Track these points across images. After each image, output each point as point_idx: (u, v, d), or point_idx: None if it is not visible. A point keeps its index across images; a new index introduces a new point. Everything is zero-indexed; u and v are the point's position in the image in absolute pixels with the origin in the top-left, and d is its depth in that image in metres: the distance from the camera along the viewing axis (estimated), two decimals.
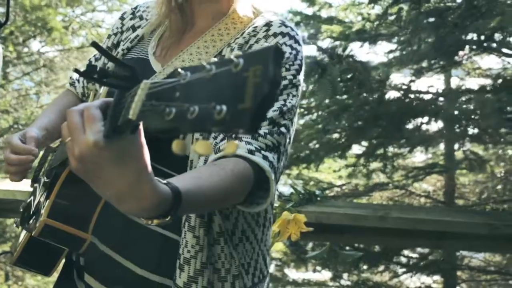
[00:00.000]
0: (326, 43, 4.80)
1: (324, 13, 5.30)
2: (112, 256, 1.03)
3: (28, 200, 1.15)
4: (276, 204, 1.68)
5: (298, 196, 2.57)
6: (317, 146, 5.12)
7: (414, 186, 6.46)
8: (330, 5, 5.28)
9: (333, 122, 4.61)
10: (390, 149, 5.38)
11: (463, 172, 6.31)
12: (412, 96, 4.81)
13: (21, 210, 1.14)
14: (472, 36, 4.02)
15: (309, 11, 5.33)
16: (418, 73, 4.74)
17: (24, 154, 1.05)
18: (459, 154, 5.92)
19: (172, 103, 0.48)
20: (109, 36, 1.26)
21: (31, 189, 1.22)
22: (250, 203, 0.93)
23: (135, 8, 1.27)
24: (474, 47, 4.29)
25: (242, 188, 0.86)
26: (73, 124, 0.61)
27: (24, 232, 1.10)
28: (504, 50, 4.53)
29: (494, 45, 4.29)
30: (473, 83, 5.75)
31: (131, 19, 1.24)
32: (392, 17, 4.28)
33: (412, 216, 2.96)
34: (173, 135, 0.50)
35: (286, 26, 1.06)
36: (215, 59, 0.48)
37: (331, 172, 6.88)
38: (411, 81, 4.80)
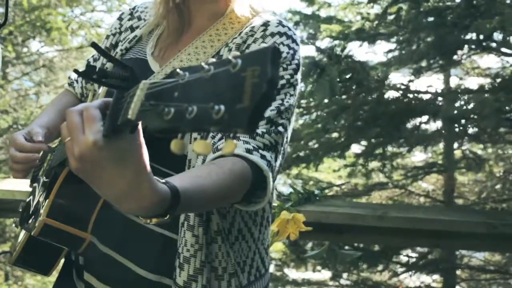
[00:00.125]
0: (325, 42, 4.81)
1: (323, 13, 5.30)
2: (111, 255, 1.03)
3: (27, 200, 1.15)
4: (275, 204, 1.69)
5: (297, 195, 2.58)
6: (316, 146, 5.13)
7: (413, 186, 6.47)
8: (329, 5, 5.28)
9: (332, 122, 4.61)
10: (389, 148, 5.38)
11: (462, 171, 6.32)
12: (411, 95, 4.82)
13: (20, 210, 1.15)
14: (471, 35, 4.02)
15: (308, 10, 5.33)
16: (417, 73, 4.75)
17: (30, 152, 1.06)
18: (458, 154, 5.93)
19: (171, 103, 0.49)
20: (107, 37, 1.26)
21: (30, 189, 1.22)
22: (248, 202, 0.93)
23: (133, 8, 1.27)
24: (473, 46, 4.30)
25: (240, 187, 0.87)
26: (73, 124, 0.62)
27: (23, 232, 1.11)
28: (503, 50, 4.53)
29: (493, 44, 4.29)
30: (472, 82, 5.76)
31: (129, 19, 1.24)
32: (391, 17, 4.28)
33: (411, 215, 2.95)
34: (172, 135, 0.50)
35: (284, 26, 1.07)
36: (214, 60, 0.48)
37: (330, 171, 6.89)
38: (410, 80, 4.80)
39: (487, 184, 6.31)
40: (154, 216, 0.69)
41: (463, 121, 4.43)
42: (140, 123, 0.60)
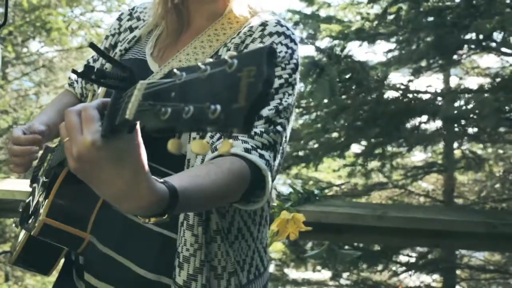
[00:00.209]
0: (325, 42, 4.81)
1: (323, 13, 5.30)
2: (111, 255, 1.04)
3: (27, 200, 1.15)
4: (274, 204, 1.69)
5: (297, 195, 2.58)
6: (316, 145, 5.13)
7: (413, 186, 6.47)
8: (329, 5, 5.28)
9: (332, 121, 4.61)
10: (389, 148, 5.38)
11: (462, 171, 6.32)
12: (410, 95, 4.82)
13: (20, 210, 1.15)
14: (471, 35, 4.02)
15: (308, 10, 5.33)
16: (417, 73, 4.75)
17: (26, 145, 1.07)
18: (458, 153, 5.93)
19: (168, 103, 0.49)
20: (106, 37, 1.27)
21: (30, 189, 1.22)
22: (246, 201, 0.93)
23: (132, 9, 1.28)
24: (473, 46, 4.30)
25: (238, 186, 0.87)
26: (71, 124, 0.62)
27: (23, 231, 1.11)
28: (503, 49, 4.54)
29: (493, 44, 4.29)
30: (472, 82, 5.76)
31: (128, 20, 1.25)
32: (391, 17, 4.28)
33: (410, 215, 2.96)
34: (169, 135, 0.51)
35: (282, 26, 1.07)
36: (210, 60, 0.49)
37: (330, 171, 6.89)
38: (410, 80, 4.80)
39: (486, 184, 6.31)
40: (152, 215, 0.70)
41: (463, 121, 4.43)
42: (138, 123, 0.60)
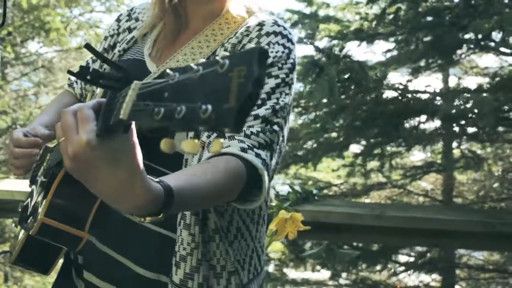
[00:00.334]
0: (323, 42, 4.81)
1: (322, 13, 5.30)
2: (111, 254, 1.04)
3: (27, 200, 1.16)
4: (273, 203, 1.70)
5: (295, 195, 2.59)
6: (315, 145, 5.13)
7: (412, 185, 6.48)
8: (328, 5, 5.28)
9: (331, 121, 4.62)
10: (388, 148, 5.39)
11: (461, 170, 6.33)
12: (409, 95, 4.83)
13: (20, 210, 1.15)
14: (470, 35, 4.03)
15: (307, 10, 5.33)
16: (416, 72, 4.76)
17: (26, 147, 1.08)
18: (457, 153, 5.94)
19: (161, 103, 0.50)
20: (105, 38, 1.27)
21: (29, 189, 1.23)
22: (244, 201, 0.94)
23: (131, 10, 1.28)
24: (472, 46, 4.30)
25: (234, 186, 0.87)
26: (67, 124, 0.63)
27: (23, 231, 1.11)
28: (502, 49, 4.54)
29: (492, 44, 4.30)
30: (471, 82, 5.78)
31: (127, 20, 1.25)
32: (390, 17, 4.29)
33: (409, 214, 2.97)
34: (163, 134, 0.51)
35: (279, 25, 1.07)
36: (203, 60, 0.49)
37: (329, 171, 6.90)
38: (409, 80, 4.81)
39: (486, 183, 6.32)
40: (148, 214, 0.70)
41: (461, 120, 4.44)
42: (133, 123, 0.61)
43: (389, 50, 4.87)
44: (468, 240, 3.10)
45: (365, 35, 4.44)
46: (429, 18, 4.05)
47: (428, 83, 6.28)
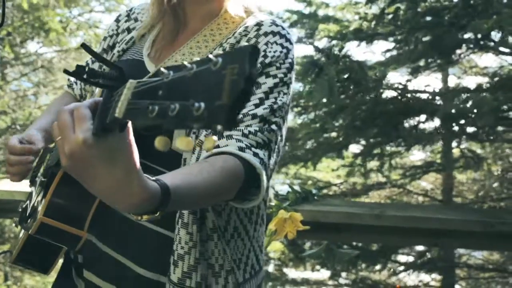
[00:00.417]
0: (323, 42, 4.82)
1: (321, 13, 5.31)
2: (111, 254, 1.04)
3: (27, 200, 1.16)
4: (272, 203, 1.70)
5: (294, 195, 2.58)
6: (314, 145, 5.14)
7: (411, 185, 6.48)
8: (327, 5, 5.29)
9: (331, 121, 4.62)
10: (388, 148, 5.39)
11: (461, 170, 6.34)
12: (409, 95, 4.83)
13: (20, 210, 1.16)
14: (469, 35, 4.04)
15: (306, 10, 5.34)
16: (415, 72, 4.76)
17: (21, 154, 1.08)
18: (456, 152, 5.94)
19: (155, 101, 0.50)
20: (104, 38, 1.27)
21: (29, 190, 1.23)
22: (242, 200, 0.94)
23: (130, 10, 1.28)
24: (471, 45, 4.31)
25: (231, 185, 0.88)
26: (63, 123, 0.63)
27: (23, 231, 1.12)
28: (501, 49, 4.55)
29: (491, 43, 4.30)
30: (470, 81, 5.78)
31: (126, 21, 1.25)
32: (389, 17, 4.29)
33: (408, 214, 2.97)
34: (157, 132, 0.52)
35: (277, 25, 1.08)
36: (197, 59, 0.50)
37: (329, 171, 6.90)
38: (408, 80, 4.81)
39: (485, 183, 6.32)
40: (144, 213, 0.70)
41: (461, 120, 4.44)
42: (130, 122, 0.61)
43: (388, 50, 4.88)
44: (468, 239, 3.10)
45: (365, 35, 4.45)
46: (428, 18, 4.05)
47: (428, 83, 6.28)
